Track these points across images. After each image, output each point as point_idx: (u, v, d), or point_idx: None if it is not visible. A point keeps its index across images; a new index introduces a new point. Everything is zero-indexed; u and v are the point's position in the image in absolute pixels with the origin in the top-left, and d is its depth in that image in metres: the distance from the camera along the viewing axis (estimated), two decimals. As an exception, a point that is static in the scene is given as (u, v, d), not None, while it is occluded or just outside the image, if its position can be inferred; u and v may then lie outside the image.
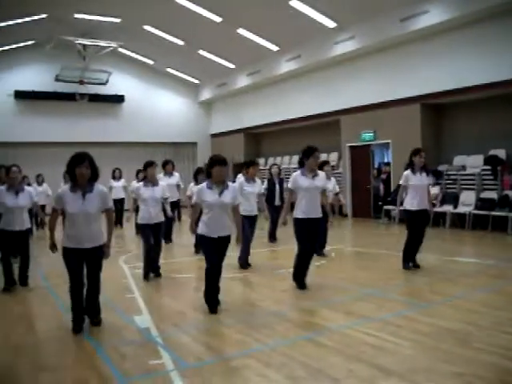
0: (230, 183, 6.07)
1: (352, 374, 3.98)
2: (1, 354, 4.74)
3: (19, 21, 16.58)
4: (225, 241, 5.97)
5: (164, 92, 23.62)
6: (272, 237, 11.44)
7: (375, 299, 6.33)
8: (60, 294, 6.54)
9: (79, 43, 19.34)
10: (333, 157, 17.61)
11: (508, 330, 4.96)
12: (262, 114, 20.37)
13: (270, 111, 19.83)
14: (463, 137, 13.83)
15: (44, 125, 20.70)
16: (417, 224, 7.88)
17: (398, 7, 13.30)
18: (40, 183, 15.02)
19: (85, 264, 5.27)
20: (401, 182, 8.02)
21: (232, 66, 20.52)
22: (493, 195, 12.63)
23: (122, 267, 8.82)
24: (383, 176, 15.87)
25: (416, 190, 7.81)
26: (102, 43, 19.52)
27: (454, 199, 13.35)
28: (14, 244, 7.32)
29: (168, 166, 11.27)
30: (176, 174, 11.73)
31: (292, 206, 6.96)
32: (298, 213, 6.72)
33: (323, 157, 15.19)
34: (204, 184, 5.98)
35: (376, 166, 17.11)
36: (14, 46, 19.53)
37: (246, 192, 8.30)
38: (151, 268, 7.83)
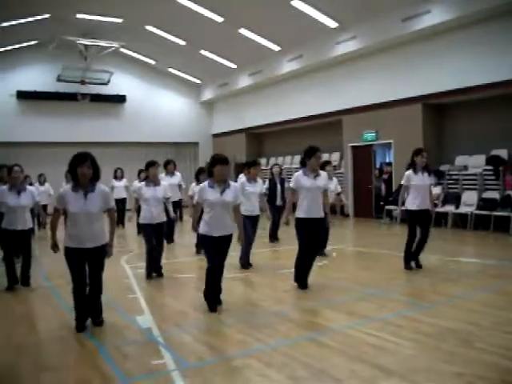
0: (231, 182, 6.08)
1: (354, 375, 3.98)
2: (3, 354, 4.75)
3: (22, 21, 16.63)
4: (226, 240, 5.98)
5: (166, 92, 23.64)
6: (273, 237, 11.44)
7: (377, 299, 6.33)
8: (62, 295, 6.56)
9: (81, 43, 19.38)
10: (335, 157, 17.62)
11: (509, 329, 4.96)
12: (264, 114, 20.37)
13: (272, 111, 19.83)
14: (465, 137, 13.82)
15: (46, 125, 20.74)
16: (419, 224, 7.88)
17: (400, 7, 13.29)
18: (42, 183, 15.05)
19: (87, 264, 5.27)
20: (402, 182, 8.01)
21: (234, 65, 20.53)
22: (495, 195, 12.62)
23: (124, 267, 8.83)
24: (385, 176, 15.87)
25: (418, 190, 7.80)
26: (104, 43, 19.55)
27: (455, 199, 13.34)
28: (16, 243, 7.34)
29: (170, 166, 11.28)
30: (178, 174, 11.75)
31: (294, 206, 6.97)
32: (300, 213, 6.73)
33: (325, 157, 15.20)
34: (206, 183, 5.99)
35: (378, 166, 17.11)
36: (16, 46, 19.59)
37: (247, 192, 8.30)
38: (154, 268, 7.85)
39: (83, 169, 5.08)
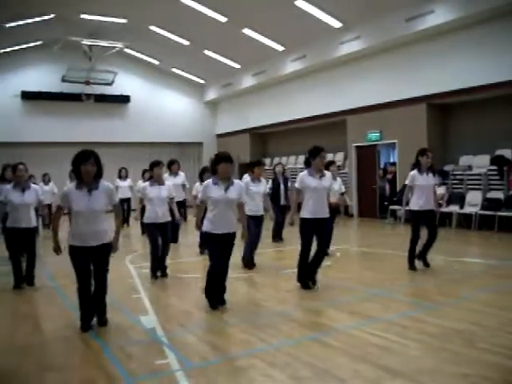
0: (235, 180, 6.10)
1: (358, 375, 3.98)
2: (7, 354, 4.77)
3: (27, 21, 16.64)
4: (230, 238, 5.99)
5: (169, 92, 23.66)
6: (277, 237, 11.44)
7: (381, 299, 6.32)
8: (67, 294, 6.58)
9: (85, 44, 19.43)
10: (339, 157, 17.60)
11: (513, 330, 4.95)
12: (268, 114, 20.37)
13: (276, 111, 19.83)
14: (469, 137, 13.78)
15: (50, 125, 20.79)
16: (425, 224, 7.87)
17: (404, 7, 13.27)
18: (46, 182, 15.11)
19: (92, 263, 5.27)
20: (407, 182, 7.99)
21: (237, 66, 20.53)
22: (499, 195, 12.58)
23: (128, 267, 8.85)
24: (389, 176, 15.86)
25: (422, 191, 7.79)
26: (108, 44, 19.60)
27: (460, 199, 13.31)
28: (20, 242, 7.37)
29: (174, 166, 11.27)
30: (181, 174, 11.74)
31: (298, 206, 6.96)
32: (305, 213, 6.71)
33: (329, 157, 15.17)
34: (210, 180, 6.01)
35: (382, 166, 17.09)
36: (21, 46, 19.62)
37: (251, 192, 8.30)
38: (159, 267, 7.87)
39: (87, 166, 5.09)
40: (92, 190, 5.16)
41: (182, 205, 11.80)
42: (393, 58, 14.83)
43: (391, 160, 17.81)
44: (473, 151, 13.59)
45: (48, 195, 13.66)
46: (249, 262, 8.45)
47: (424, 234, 7.98)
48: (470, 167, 13.47)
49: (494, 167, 12.75)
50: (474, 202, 12.97)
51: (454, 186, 13.71)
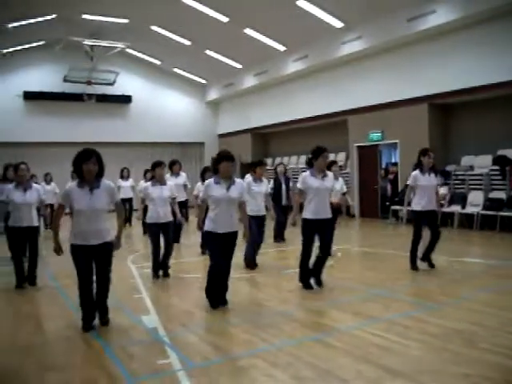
0: (236, 179, 6.10)
1: (360, 375, 3.98)
2: (9, 354, 4.77)
3: (29, 22, 16.66)
4: (231, 237, 5.99)
5: (171, 92, 23.67)
6: (279, 237, 11.44)
7: (383, 299, 6.32)
8: (69, 294, 6.59)
9: (87, 44, 19.45)
10: (340, 157, 17.59)
11: (515, 330, 4.95)
12: (270, 114, 20.38)
13: (278, 111, 19.83)
14: (471, 137, 13.77)
15: (52, 125, 20.83)
16: (427, 225, 7.86)
17: (405, 7, 13.26)
18: (48, 182, 15.15)
19: (94, 262, 5.27)
20: (409, 183, 7.99)
21: (239, 66, 20.54)
22: (501, 195, 12.57)
23: (130, 267, 8.86)
24: (390, 176, 15.84)
25: (424, 191, 7.79)
26: (110, 44, 19.61)
27: (462, 199, 13.30)
28: (22, 241, 7.38)
29: (175, 167, 11.27)
30: (183, 174, 11.75)
31: (301, 207, 6.95)
32: (308, 214, 6.70)
33: (331, 157, 15.15)
34: (211, 179, 6.02)
35: (383, 166, 17.07)
36: (23, 47, 19.62)
37: (253, 192, 8.30)
38: (161, 266, 7.88)
39: (89, 165, 5.09)
40: (94, 189, 5.16)
41: (183, 205, 11.82)
42: (394, 58, 14.83)
43: (393, 160, 17.78)
44: (474, 151, 13.58)
45: (50, 195, 13.69)
46: (251, 262, 8.45)
47: (426, 234, 7.98)
48: (471, 167, 13.46)
49: (496, 167, 12.74)
50: (475, 202, 12.96)
51: (456, 186, 13.70)
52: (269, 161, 20.29)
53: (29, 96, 20.62)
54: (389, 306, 6.03)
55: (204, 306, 6.07)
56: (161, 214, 7.68)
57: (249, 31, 16.78)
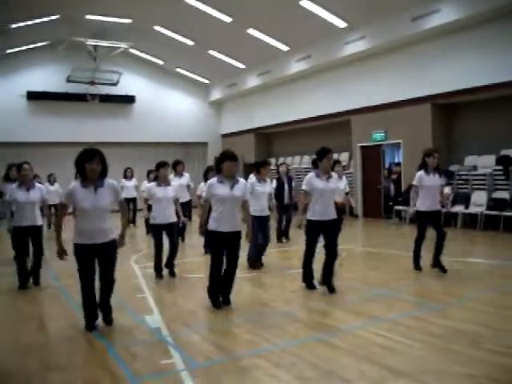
0: (239, 179, 6.10)
1: (363, 375, 3.97)
2: (11, 354, 4.78)
3: (32, 22, 16.68)
4: (234, 237, 5.98)
5: (174, 92, 23.68)
6: (284, 235, 11.46)
7: (386, 299, 6.31)
8: (72, 294, 6.59)
9: (90, 44, 19.48)
10: (344, 157, 17.57)
11: (519, 331, 4.93)
12: (273, 114, 20.37)
13: (281, 111, 19.82)
14: (474, 137, 13.74)
15: (55, 125, 20.85)
16: (431, 225, 7.84)
17: (409, 6, 13.21)
18: (52, 183, 15.15)
19: (97, 261, 5.27)
20: (414, 183, 7.95)
21: (242, 66, 20.53)
22: (505, 195, 12.54)
23: (133, 267, 8.86)
24: (394, 176, 15.83)
25: (429, 191, 7.76)
26: (113, 44, 19.63)
27: (465, 199, 13.27)
28: (26, 240, 7.39)
29: (179, 167, 11.26)
30: (186, 175, 11.74)
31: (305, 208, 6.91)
32: (313, 215, 6.66)
33: (334, 157, 15.14)
34: (214, 178, 6.01)
35: (387, 166, 17.05)
36: (26, 47, 19.69)
37: (257, 192, 8.30)
38: (167, 266, 7.88)
39: (92, 165, 5.09)
40: (97, 188, 5.16)
41: (187, 205, 11.81)
42: (397, 58, 14.80)
43: (396, 160, 17.77)
44: (478, 151, 13.55)
45: (54, 196, 13.69)
46: (254, 262, 8.44)
47: (429, 235, 7.94)
48: (475, 167, 13.44)
49: (500, 167, 12.71)
50: (479, 202, 12.94)
51: (460, 187, 13.67)
52: (272, 161, 20.25)
53: (32, 96, 20.65)
54: (392, 306, 6.02)
55: (207, 306, 6.07)
56: (166, 214, 7.70)
57: (252, 31, 16.77)
